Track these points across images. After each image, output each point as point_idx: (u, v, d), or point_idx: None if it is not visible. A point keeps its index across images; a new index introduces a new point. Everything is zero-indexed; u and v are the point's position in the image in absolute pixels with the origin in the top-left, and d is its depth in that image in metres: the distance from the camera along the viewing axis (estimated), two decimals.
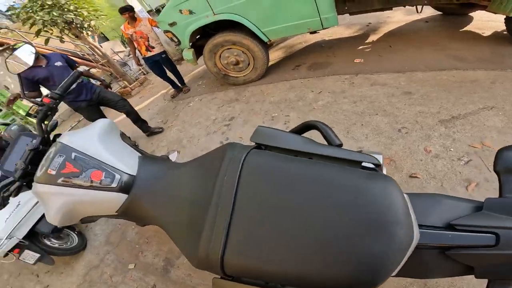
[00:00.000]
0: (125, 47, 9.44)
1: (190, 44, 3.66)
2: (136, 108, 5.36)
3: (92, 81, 7.45)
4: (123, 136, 1.39)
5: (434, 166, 1.76)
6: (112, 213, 1.18)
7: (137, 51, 4.17)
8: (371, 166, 0.79)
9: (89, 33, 6.75)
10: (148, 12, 9.69)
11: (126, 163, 1.14)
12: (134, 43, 4.04)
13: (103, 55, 7.13)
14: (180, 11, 3.31)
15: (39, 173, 1.13)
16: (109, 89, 3.39)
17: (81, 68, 1.93)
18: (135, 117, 3.50)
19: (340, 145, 0.92)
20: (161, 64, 4.27)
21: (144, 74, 7.53)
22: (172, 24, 3.47)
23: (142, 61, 4.50)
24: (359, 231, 0.61)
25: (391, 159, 1.90)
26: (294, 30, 3.27)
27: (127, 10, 3.97)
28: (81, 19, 6.18)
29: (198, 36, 3.84)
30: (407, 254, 0.60)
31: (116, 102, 3.18)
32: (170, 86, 4.74)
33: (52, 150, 1.16)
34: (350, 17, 4.13)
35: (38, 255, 2.31)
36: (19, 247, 2.25)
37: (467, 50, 2.83)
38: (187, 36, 3.50)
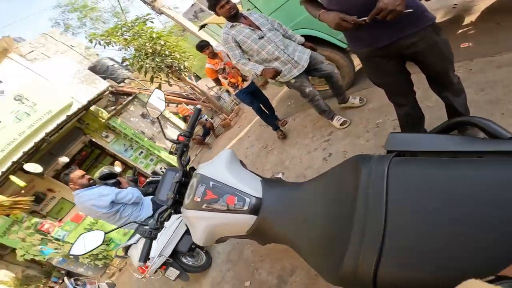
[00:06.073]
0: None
1: None
2: (237, 137, 5.78)
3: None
4: (242, 163, 1.46)
5: None
6: (243, 233, 1.25)
7: (228, 86, 3.71)
8: None
9: (186, 73, 7.49)
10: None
11: (252, 187, 1.20)
12: (228, 76, 3.62)
13: (202, 92, 7.90)
14: None
15: (187, 200, 1.28)
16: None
17: (199, 106, 2.10)
18: None
19: None
20: (255, 94, 3.70)
21: (237, 104, 8.03)
22: None
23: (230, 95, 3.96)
24: None
25: None
26: None
27: (206, 46, 3.64)
28: (177, 62, 6.85)
29: None
30: None
31: None
32: None
33: (194, 180, 1.30)
34: (428, 3, 3.44)
35: (178, 272, 2.63)
36: (165, 265, 2.57)
37: None
38: None
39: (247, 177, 1.28)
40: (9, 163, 5.34)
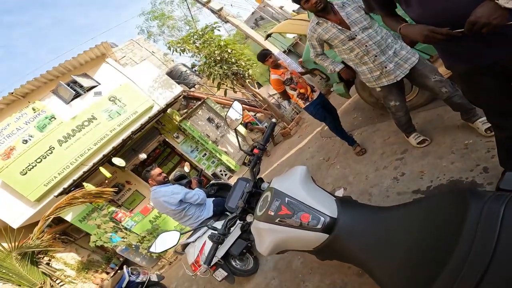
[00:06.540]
0: None
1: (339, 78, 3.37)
2: (296, 147, 5.70)
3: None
4: (313, 180, 1.43)
5: None
6: (308, 249, 1.27)
7: (297, 98, 3.25)
8: None
9: (250, 81, 7.69)
10: (283, 52, 10.31)
11: (327, 206, 1.20)
12: (297, 87, 3.19)
13: (264, 100, 8.06)
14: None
15: (259, 212, 1.32)
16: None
17: (274, 119, 2.09)
18: None
19: None
20: (325, 106, 3.30)
21: (297, 113, 7.97)
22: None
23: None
24: None
25: None
26: None
27: (268, 55, 3.22)
28: (242, 69, 6.98)
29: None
30: None
31: None
32: (324, 124, 3.63)
33: (268, 194, 1.32)
34: None
35: (226, 274, 2.68)
36: (215, 265, 2.64)
37: None
38: None
39: (321, 195, 1.28)
40: (100, 155, 6.29)
